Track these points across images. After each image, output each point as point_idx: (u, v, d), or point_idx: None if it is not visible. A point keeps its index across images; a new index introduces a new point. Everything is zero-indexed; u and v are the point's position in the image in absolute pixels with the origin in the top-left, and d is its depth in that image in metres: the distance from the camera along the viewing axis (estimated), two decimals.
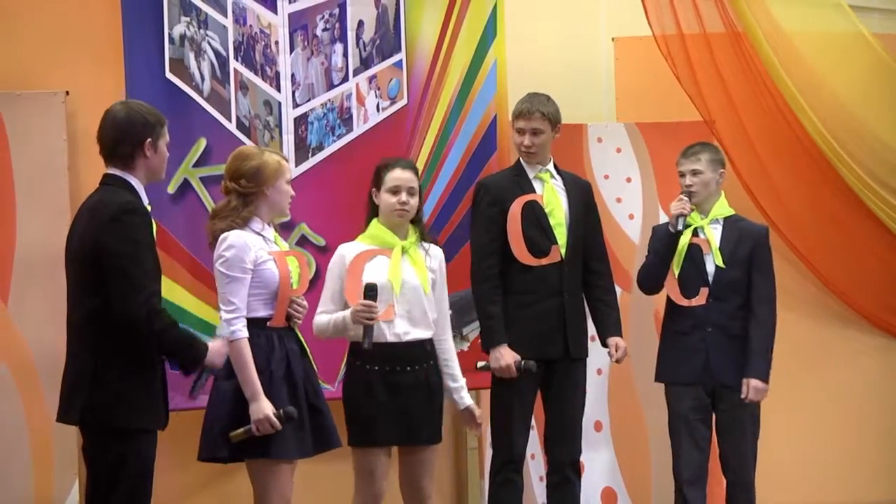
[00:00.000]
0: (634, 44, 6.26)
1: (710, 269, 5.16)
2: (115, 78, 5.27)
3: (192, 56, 5.35)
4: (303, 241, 5.46)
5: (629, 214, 6.05)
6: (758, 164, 6.19)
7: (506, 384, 4.98)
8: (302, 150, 5.48)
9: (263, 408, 4.13)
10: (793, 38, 6.11)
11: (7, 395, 5.21)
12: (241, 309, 4.21)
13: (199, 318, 5.18)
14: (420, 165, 5.60)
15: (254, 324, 4.25)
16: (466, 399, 4.73)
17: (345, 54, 5.55)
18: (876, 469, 6.45)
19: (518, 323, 4.99)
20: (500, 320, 4.96)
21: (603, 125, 6.19)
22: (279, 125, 5.44)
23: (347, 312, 4.49)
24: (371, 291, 4.44)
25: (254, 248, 4.25)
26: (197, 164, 5.33)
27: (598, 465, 5.92)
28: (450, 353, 4.70)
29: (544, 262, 5.02)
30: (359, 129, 5.57)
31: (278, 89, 5.44)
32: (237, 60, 5.40)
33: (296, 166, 5.43)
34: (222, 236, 4.25)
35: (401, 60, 5.64)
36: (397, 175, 4.60)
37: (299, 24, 5.47)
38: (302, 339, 4.39)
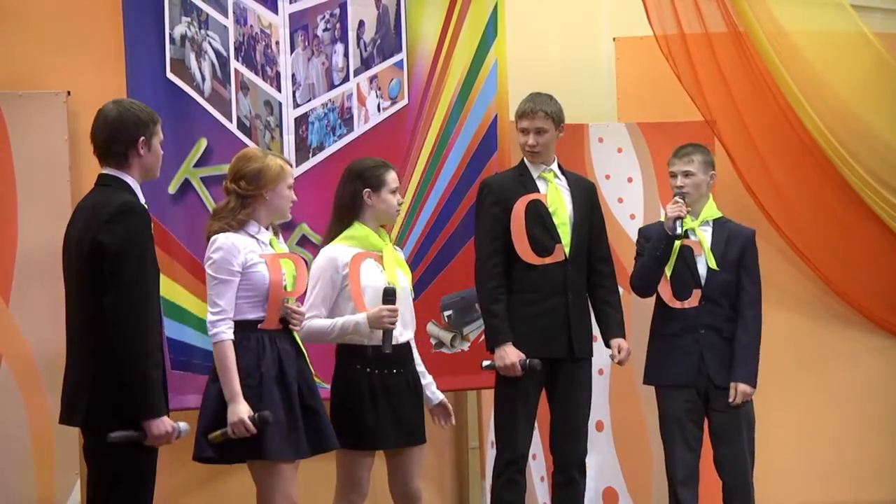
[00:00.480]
0: (636, 44, 6.26)
1: (702, 270, 5.16)
2: (116, 78, 5.27)
3: (192, 56, 5.35)
4: (303, 241, 5.46)
5: (630, 214, 6.06)
6: (759, 164, 6.19)
7: (510, 384, 4.98)
8: (303, 151, 5.48)
9: (239, 411, 4.13)
10: (794, 37, 6.11)
11: (8, 394, 5.21)
12: (226, 311, 4.23)
13: (199, 318, 5.18)
14: (421, 165, 5.63)
15: (244, 326, 4.27)
16: (439, 394, 4.76)
17: (345, 54, 5.55)
18: (878, 469, 6.45)
19: (522, 322, 4.99)
20: (504, 319, 4.96)
21: (604, 125, 6.19)
22: (280, 125, 5.44)
23: (360, 318, 4.49)
24: (391, 296, 4.46)
25: (243, 250, 4.26)
26: (198, 165, 5.33)
27: (599, 464, 5.92)
28: (416, 351, 4.74)
29: (548, 260, 5.02)
30: (359, 129, 5.57)
31: (279, 89, 5.44)
32: (238, 61, 5.40)
33: (296, 166, 5.42)
34: (212, 239, 4.28)
35: (401, 60, 5.64)
36: (395, 176, 4.67)
37: (300, 24, 5.47)
38: (299, 341, 4.39)
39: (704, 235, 5.19)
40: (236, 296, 4.26)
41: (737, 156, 6.14)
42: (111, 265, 3.78)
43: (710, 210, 5.24)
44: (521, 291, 5.02)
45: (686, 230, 5.12)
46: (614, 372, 5.91)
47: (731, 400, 5.09)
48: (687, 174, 5.17)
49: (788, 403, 6.12)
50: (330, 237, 4.65)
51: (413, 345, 4.72)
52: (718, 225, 5.24)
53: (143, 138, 3.96)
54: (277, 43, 5.43)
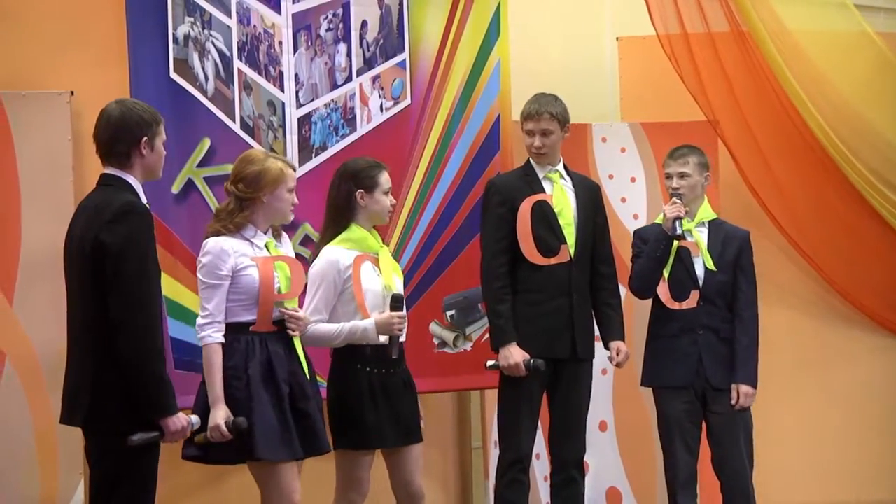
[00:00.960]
0: (638, 43, 6.26)
1: (700, 271, 5.16)
2: (119, 78, 5.27)
3: (196, 56, 5.35)
4: (306, 241, 5.46)
5: (633, 214, 6.06)
6: (762, 163, 6.18)
7: (513, 384, 4.98)
8: (305, 151, 5.48)
9: (216, 416, 4.16)
10: (797, 36, 6.10)
11: (12, 394, 5.22)
12: (213, 315, 4.27)
13: None
14: (424, 165, 5.63)
15: (236, 328, 4.30)
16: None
17: (348, 54, 5.55)
18: (879, 468, 6.45)
19: (527, 322, 4.99)
20: (509, 319, 4.96)
21: (607, 125, 6.19)
22: (283, 125, 5.45)
23: (368, 324, 4.49)
24: (399, 302, 4.48)
25: (234, 254, 4.28)
26: (201, 164, 5.33)
27: (602, 465, 5.93)
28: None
29: (553, 261, 5.02)
30: (362, 129, 5.58)
31: (282, 89, 5.45)
32: (241, 60, 5.41)
33: (299, 166, 5.43)
34: (203, 243, 4.32)
35: (404, 60, 5.65)
36: (388, 177, 4.66)
37: (303, 24, 5.47)
38: (296, 344, 4.39)
39: (701, 236, 5.19)
40: (228, 299, 4.29)
41: (739, 155, 6.14)
42: (113, 265, 3.78)
43: (706, 211, 5.24)
44: (525, 292, 5.02)
45: (684, 231, 5.12)
46: (618, 372, 5.89)
47: (733, 402, 5.09)
48: (682, 175, 5.17)
49: (790, 403, 6.11)
50: (326, 239, 4.65)
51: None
52: (714, 226, 5.24)
53: (145, 138, 3.96)
54: (280, 43, 5.44)
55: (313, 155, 5.50)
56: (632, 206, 6.06)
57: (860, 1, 6.26)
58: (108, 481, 3.85)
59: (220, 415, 4.16)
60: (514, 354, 4.92)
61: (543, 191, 5.07)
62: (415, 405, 4.66)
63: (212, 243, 4.30)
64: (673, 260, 5.14)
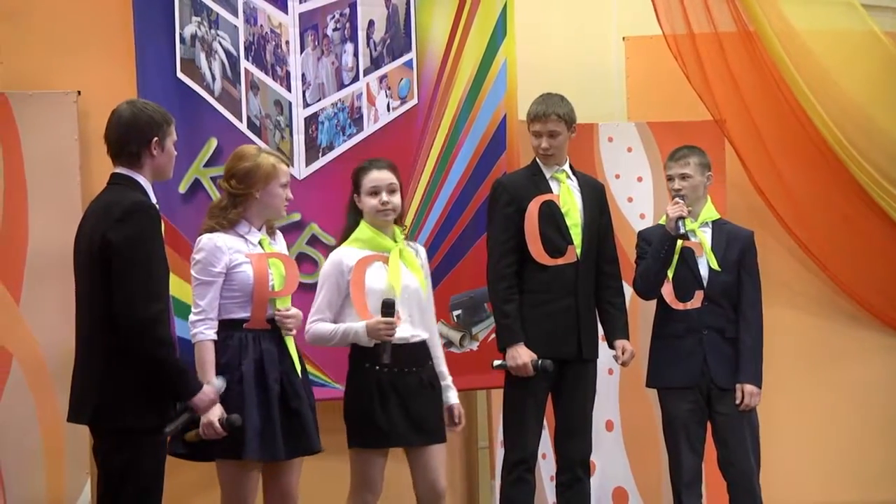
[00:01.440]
0: (645, 43, 6.26)
1: (704, 272, 5.15)
2: (126, 78, 5.28)
3: (202, 56, 5.36)
4: (313, 241, 5.47)
5: (640, 214, 6.06)
6: (768, 163, 6.18)
7: (519, 384, 4.98)
8: (312, 150, 5.48)
9: (210, 413, 4.14)
10: (804, 36, 6.09)
11: (19, 394, 5.23)
12: (206, 311, 4.27)
13: None
14: (430, 165, 5.62)
15: (229, 325, 4.31)
16: (452, 398, 4.72)
17: (355, 54, 5.55)
18: (885, 468, 6.44)
19: (532, 322, 4.98)
20: (516, 319, 4.96)
21: (614, 125, 6.19)
22: (290, 125, 5.45)
23: (360, 327, 4.49)
24: (389, 308, 4.45)
25: (227, 251, 4.29)
26: (208, 164, 5.34)
27: (609, 465, 5.93)
28: (438, 351, 4.74)
29: (560, 262, 5.02)
30: (369, 128, 5.58)
31: (289, 89, 5.45)
32: (248, 60, 5.41)
33: (306, 166, 5.45)
34: (197, 239, 4.33)
35: (411, 60, 5.65)
36: (374, 176, 4.61)
37: (310, 23, 5.47)
38: (288, 342, 4.38)
39: (705, 237, 5.19)
40: (222, 295, 4.30)
41: (746, 155, 6.13)
42: (119, 263, 3.79)
43: (709, 211, 5.24)
44: (532, 292, 5.02)
45: (687, 231, 5.12)
46: (624, 372, 5.90)
47: (738, 402, 5.09)
48: (684, 176, 5.17)
49: (796, 402, 6.10)
50: (341, 240, 4.67)
51: (434, 343, 4.71)
52: (717, 226, 5.24)
53: (156, 139, 3.96)
54: (287, 42, 5.44)
55: (320, 155, 5.50)
56: (638, 206, 6.06)
57: (867, 0, 6.25)
58: (115, 480, 3.85)
59: (213, 412, 4.15)
60: (522, 355, 4.92)
61: (550, 191, 5.06)
62: (435, 405, 4.63)
63: (206, 240, 4.30)
64: (677, 260, 5.14)
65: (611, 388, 5.95)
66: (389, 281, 4.55)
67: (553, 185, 5.08)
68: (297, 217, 5.41)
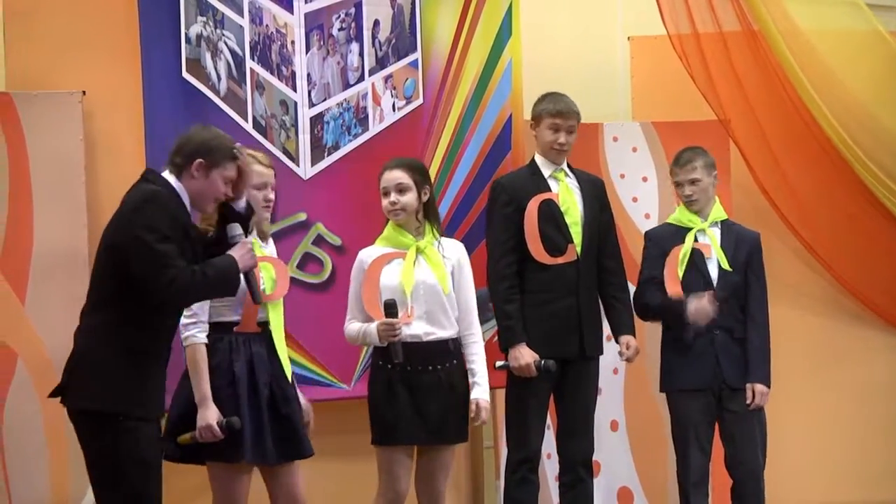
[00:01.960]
0: (650, 43, 6.25)
1: (714, 273, 5.15)
2: (131, 78, 5.28)
3: (208, 56, 5.35)
4: (319, 241, 5.47)
5: (645, 214, 6.04)
6: (773, 163, 6.17)
7: (522, 383, 4.97)
8: (318, 150, 5.48)
9: (207, 416, 4.16)
10: (809, 35, 6.07)
11: (24, 394, 5.22)
12: (198, 315, 4.28)
13: None
14: (435, 165, 5.62)
15: (220, 328, 4.32)
16: (475, 393, 4.66)
17: (360, 54, 5.55)
18: (890, 468, 6.42)
19: (534, 322, 4.98)
20: (518, 319, 4.95)
21: (619, 124, 6.18)
22: (295, 125, 5.44)
23: (373, 328, 4.51)
24: (391, 308, 4.46)
25: None
26: None
27: (614, 464, 5.92)
28: (472, 349, 4.68)
29: (560, 260, 5.01)
30: (375, 128, 5.58)
31: (294, 89, 5.45)
32: (253, 60, 5.41)
33: (311, 166, 5.46)
34: None
35: (416, 60, 5.65)
36: (384, 177, 4.65)
37: (315, 23, 5.47)
38: (278, 347, 4.37)
39: (715, 237, 5.19)
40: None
41: (750, 155, 6.12)
42: (135, 253, 3.81)
43: (718, 212, 5.25)
44: (533, 291, 5.01)
45: (695, 231, 5.13)
46: (629, 371, 5.91)
47: (748, 401, 5.10)
48: (693, 182, 5.17)
49: (801, 402, 6.10)
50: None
51: (467, 342, 4.67)
52: (726, 227, 5.24)
53: (201, 161, 3.91)
54: (293, 42, 5.44)
55: (325, 154, 5.50)
56: (643, 206, 6.05)
57: (872, 0, 6.24)
58: (88, 464, 3.89)
59: (211, 414, 4.17)
60: (525, 355, 4.91)
61: (549, 189, 5.06)
62: (452, 405, 4.60)
63: None
64: (687, 263, 5.13)
65: (616, 388, 5.94)
66: (401, 278, 4.56)
67: (552, 183, 5.08)
68: (302, 217, 5.41)
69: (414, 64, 5.65)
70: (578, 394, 5.06)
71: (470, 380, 4.66)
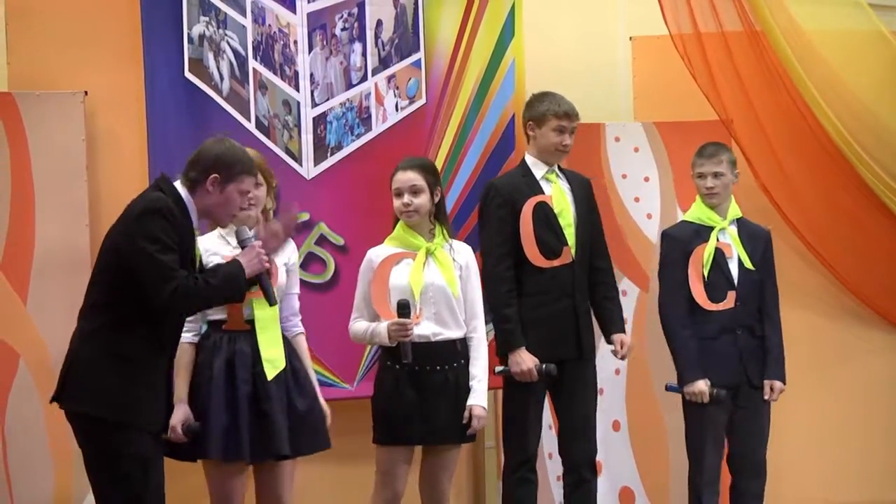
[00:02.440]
0: (652, 43, 6.24)
1: (735, 272, 5.16)
2: (134, 78, 5.29)
3: (211, 56, 5.35)
4: (322, 241, 5.47)
5: (647, 214, 6.04)
6: (775, 163, 6.16)
7: (519, 386, 4.96)
8: (321, 150, 5.48)
9: (174, 417, 4.21)
10: (811, 36, 6.07)
11: (27, 395, 5.22)
12: None
13: None
14: (438, 165, 5.57)
15: (212, 326, 4.37)
16: (471, 399, 4.64)
17: (363, 54, 5.55)
18: (891, 468, 6.43)
19: (532, 324, 4.96)
20: (517, 323, 4.93)
21: (620, 124, 6.18)
22: (298, 125, 5.44)
23: (383, 328, 4.52)
24: (404, 309, 4.46)
25: (205, 253, 4.30)
26: None
27: (615, 464, 5.92)
28: (476, 352, 4.68)
29: (556, 263, 5.01)
30: (377, 128, 5.58)
31: (297, 89, 5.44)
32: (256, 60, 5.41)
33: (314, 166, 5.46)
34: None
35: (419, 60, 5.65)
36: (397, 178, 4.65)
37: (318, 23, 5.47)
38: (262, 345, 4.35)
39: (736, 235, 5.20)
40: None
41: (752, 155, 6.12)
42: (136, 262, 3.82)
43: (735, 209, 5.26)
44: (529, 294, 5.00)
45: (717, 231, 5.15)
46: (631, 372, 5.91)
47: (766, 397, 5.14)
48: (717, 175, 5.16)
49: (803, 401, 6.08)
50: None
51: (472, 344, 4.67)
52: (741, 224, 5.25)
53: (217, 176, 3.93)
54: (296, 42, 5.44)
55: (328, 154, 5.50)
56: (645, 206, 6.04)
57: (874, 0, 6.24)
58: (95, 478, 3.91)
59: (178, 416, 4.22)
60: (526, 360, 4.90)
61: (543, 191, 5.05)
62: (458, 405, 4.60)
63: None
64: (711, 264, 5.13)
65: (618, 389, 5.94)
66: (410, 279, 4.56)
67: (544, 185, 5.07)
68: (305, 217, 5.41)
69: (417, 64, 5.65)
70: (578, 395, 5.05)
71: (469, 382, 4.66)
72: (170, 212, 3.85)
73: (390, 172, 4.70)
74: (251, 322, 4.36)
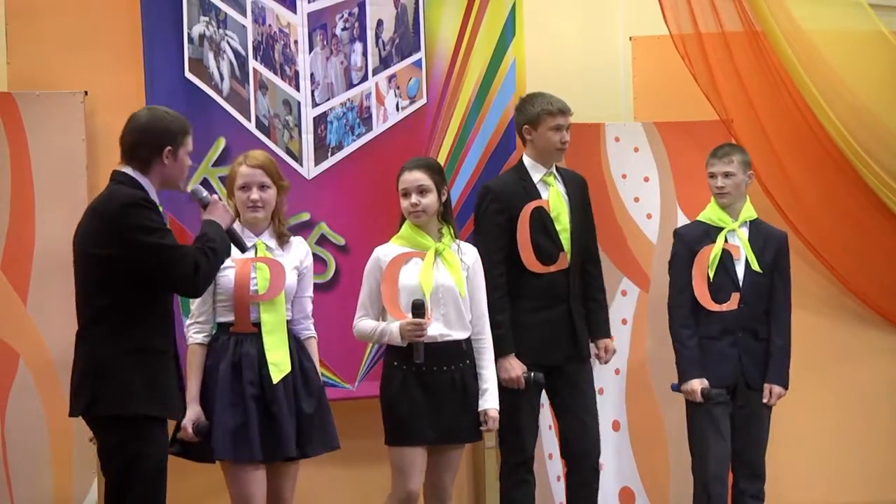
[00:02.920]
0: (652, 43, 6.24)
1: (741, 273, 5.17)
2: (134, 78, 5.28)
3: (211, 56, 5.34)
4: (322, 241, 5.46)
5: (647, 214, 6.04)
6: (776, 164, 6.16)
7: (513, 389, 4.94)
8: (321, 150, 5.47)
9: (186, 416, 4.26)
10: (812, 36, 6.08)
11: (27, 393, 5.21)
12: (195, 316, 4.42)
13: None
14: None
15: (221, 328, 4.42)
16: (485, 403, 4.67)
17: (364, 53, 5.55)
18: (892, 468, 6.43)
19: (527, 330, 4.97)
20: (508, 329, 4.93)
21: (620, 125, 6.18)
22: (298, 125, 5.44)
23: (395, 327, 4.51)
24: (419, 309, 4.46)
25: None
26: (216, 164, 5.33)
27: (615, 464, 5.92)
28: (482, 354, 4.70)
29: (553, 269, 5.01)
30: (378, 128, 5.57)
31: (297, 89, 5.44)
32: (256, 60, 5.40)
33: (315, 166, 5.46)
34: None
35: (420, 60, 5.64)
36: (404, 178, 4.64)
37: (318, 23, 5.47)
38: (267, 348, 4.37)
39: (745, 237, 5.20)
40: (215, 300, 4.40)
41: (753, 155, 6.05)
42: (140, 254, 3.85)
43: (748, 211, 5.27)
44: (525, 298, 5.00)
45: (726, 232, 5.17)
46: (631, 372, 5.91)
47: (765, 400, 5.15)
48: (727, 175, 5.19)
49: (804, 402, 6.08)
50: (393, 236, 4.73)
51: (478, 346, 4.69)
52: (755, 226, 5.27)
53: (169, 148, 3.98)
54: (296, 42, 5.43)
55: (329, 154, 5.49)
56: (645, 206, 6.04)
57: (875, 0, 6.24)
58: (121, 475, 3.88)
59: (189, 416, 4.26)
60: (515, 367, 4.90)
61: (540, 196, 5.05)
62: (465, 405, 4.61)
63: None
64: (717, 265, 5.14)
65: (617, 389, 5.94)
66: (420, 279, 4.55)
67: (541, 188, 5.06)
68: (306, 217, 5.41)
69: (417, 64, 5.64)
70: (578, 396, 5.06)
71: (480, 386, 4.67)
72: (143, 199, 3.90)
73: (391, 172, 4.72)
74: (258, 325, 4.37)
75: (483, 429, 4.69)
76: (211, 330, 4.44)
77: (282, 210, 4.54)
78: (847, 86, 6.14)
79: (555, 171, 5.12)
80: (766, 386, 5.15)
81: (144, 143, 3.97)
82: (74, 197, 5.29)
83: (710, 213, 5.29)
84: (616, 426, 5.96)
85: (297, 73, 5.43)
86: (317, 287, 5.35)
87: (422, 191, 4.60)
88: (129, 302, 3.89)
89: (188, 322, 4.44)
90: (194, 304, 4.42)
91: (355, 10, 5.52)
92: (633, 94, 6.35)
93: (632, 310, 5.93)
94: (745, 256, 5.19)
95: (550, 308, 5.01)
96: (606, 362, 5.19)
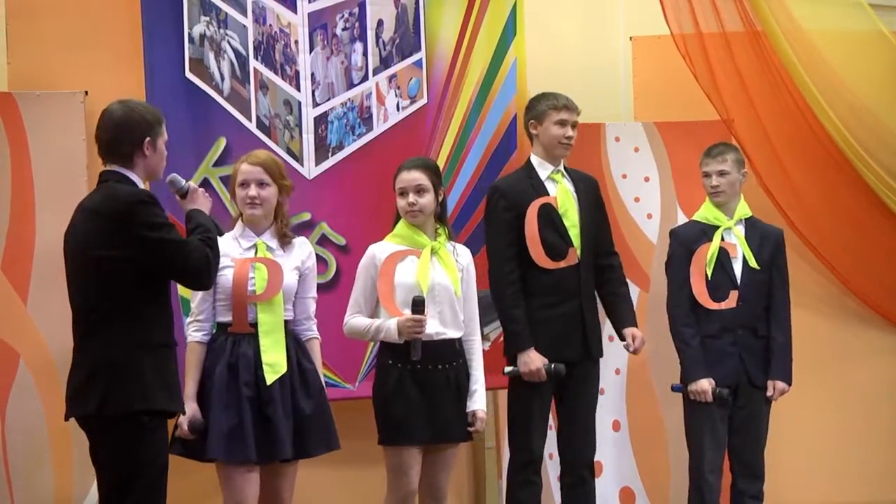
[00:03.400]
0: (652, 43, 6.24)
1: (738, 271, 5.17)
2: (134, 78, 5.27)
3: (211, 56, 5.35)
4: (323, 241, 5.46)
5: (647, 214, 6.04)
6: (776, 164, 6.17)
7: (526, 387, 4.96)
8: (322, 150, 5.48)
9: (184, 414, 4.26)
10: (812, 36, 6.08)
11: (27, 394, 5.22)
12: (195, 314, 4.41)
13: None
14: (440, 165, 5.58)
15: (220, 328, 4.41)
16: (473, 404, 4.67)
17: (364, 53, 5.55)
18: (892, 468, 6.43)
19: (539, 325, 4.96)
20: (525, 325, 4.93)
21: (621, 124, 6.18)
22: (299, 125, 5.44)
23: (392, 324, 4.50)
24: (419, 305, 4.46)
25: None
26: (217, 164, 5.34)
27: (616, 464, 5.92)
28: (474, 355, 4.70)
29: (562, 265, 5.01)
30: (379, 128, 5.58)
31: (298, 89, 5.44)
32: (257, 60, 5.40)
33: (315, 166, 5.46)
34: None
35: (420, 60, 5.65)
36: (402, 177, 4.64)
37: (319, 23, 5.47)
38: (264, 349, 4.36)
39: (741, 235, 5.20)
40: (215, 299, 4.39)
41: (754, 155, 6.12)
42: (152, 249, 3.85)
43: (743, 209, 5.28)
44: (536, 295, 5.00)
45: (722, 230, 5.17)
46: (631, 371, 5.91)
47: (769, 395, 5.17)
48: (722, 173, 5.20)
49: (803, 402, 6.08)
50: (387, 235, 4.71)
51: (470, 346, 4.69)
52: (750, 224, 5.27)
53: (148, 139, 3.97)
54: (297, 42, 5.43)
55: (330, 154, 5.50)
56: (645, 206, 6.04)
57: (875, 0, 6.25)
58: (125, 474, 3.86)
59: (186, 413, 4.26)
60: (535, 360, 4.90)
61: (547, 193, 5.05)
62: (459, 404, 4.62)
63: None
64: (715, 263, 5.15)
65: (618, 389, 5.94)
66: (417, 277, 4.55)
67: (549, 185, 5.07)
68: (306, 217, 5.41)
69: (418, 63, 5.64)
70: (581, 396, 5.06)
71: (470, 387, 4.67)
72: (148, 195, 3.91)
73: (392, 172, 4.70)
74: (255, 325, 4.36)
75: (471, 429, 4.67)
76: (211, 328, 4.43)
77: (284, 210, 4.52)
78: (847, 86, 6.14)
79: (563, 169, 5.12)
80: (770, 382, 5.17)
81: (124, 137, 3.94)
82: (74, 197, 5.17)
83: (706, 213, 5.30)
84: (616, 426, 5.96)
85: (297, 72, 5.43)
86: (317, 287, 5.36)
87: (419, 190, 4.60)
88: (136, 299, 3.87)
89: (188, 320, 4.43)
90: (194, 302, 4.41)
91: (356, 10, 5.52)
92: (634, 94, 6.35)
93: None
94: (741, 254, 5.21)
95: (560, 304, 5.00)
96: (636, 351, 5.14)
